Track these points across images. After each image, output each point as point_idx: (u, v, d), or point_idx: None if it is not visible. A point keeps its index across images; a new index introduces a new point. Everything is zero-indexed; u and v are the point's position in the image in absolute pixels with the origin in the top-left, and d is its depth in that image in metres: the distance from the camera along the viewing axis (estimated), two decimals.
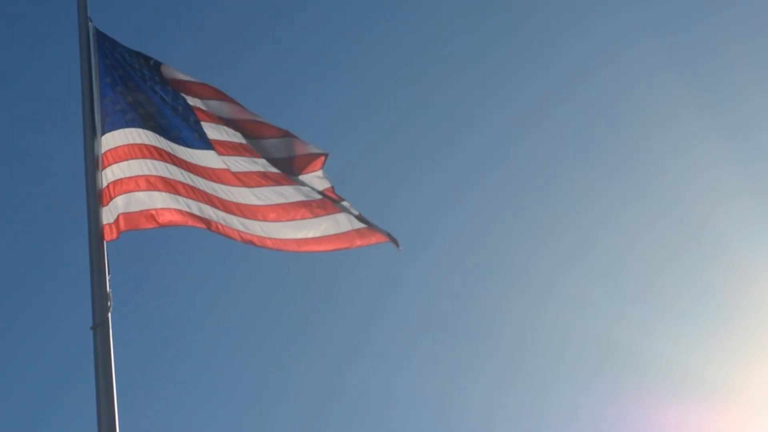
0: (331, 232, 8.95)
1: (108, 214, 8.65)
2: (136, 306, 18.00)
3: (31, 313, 19.76)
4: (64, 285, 19.24)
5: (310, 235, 8.96)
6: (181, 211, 8.90)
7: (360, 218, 8.88)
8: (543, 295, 20.29)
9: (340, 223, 8.94)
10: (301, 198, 8.94)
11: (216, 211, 8.90)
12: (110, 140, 8.85)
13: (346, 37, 21.72)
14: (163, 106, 8.95)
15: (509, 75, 21.34)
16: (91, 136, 8.77)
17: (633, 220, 21.02)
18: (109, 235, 8.57)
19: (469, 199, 21.10)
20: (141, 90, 8.95)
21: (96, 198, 8.59)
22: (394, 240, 8.85)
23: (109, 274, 8.32)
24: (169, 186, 8.90)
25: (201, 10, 21.46)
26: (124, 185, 8.80)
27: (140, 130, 8.91)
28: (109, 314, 8.15)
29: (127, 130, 8.90)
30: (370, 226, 8.87)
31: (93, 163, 8.68)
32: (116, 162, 8.83)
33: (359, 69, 21.70)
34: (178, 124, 8.94)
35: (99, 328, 8.07)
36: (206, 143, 8.93)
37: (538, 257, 20.48)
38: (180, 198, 8.90)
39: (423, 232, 20.99)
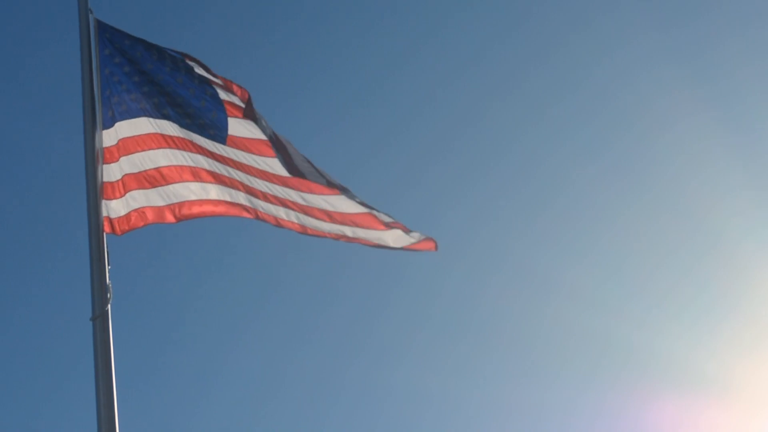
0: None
1: (120, 206, 8.66)
2: (136, 297, 18.02)
3: (31, 305, 19.80)
4: (64, 276, 19.27)
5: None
6: (218, 201, 8.93)
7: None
8: (543, 291, 20.31)
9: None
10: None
11: (249, 197, 8.92)
12: (126, 128, 8.85)
13: (346, 33, 21.72)
14: (179, 93, 8.92)
15: (509, 71, 21.35)
16: (91, 128, 8.74)
17: (633, 215, 21.04)
18: (119, 227, 8.60)
19: (469, 195, 21.12)
20: (151, 78, 8.92)
21: (96, 190, 8.57)
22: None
23: (108, 265, 8.33)
24: (198, 176, 8.92)
25: (202, 4, 21.46)
26: (144, 178, 8.81)
27: (156, 120, 8.89)
28: (109, 306, 8.16)
29: (143, 119, 8.87)
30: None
31: (93, 156, 8.65)
32: (134, 152, 8.84)
33: (360, 65, 21.71)
34: (195, 112, 8.92)
35: (98, 319, 8.08)
36: (221, 137, 8.93)
37: (538, 253, 20.50)
38: (214, 186, 8.92)
39: (423, 228, 20.96)
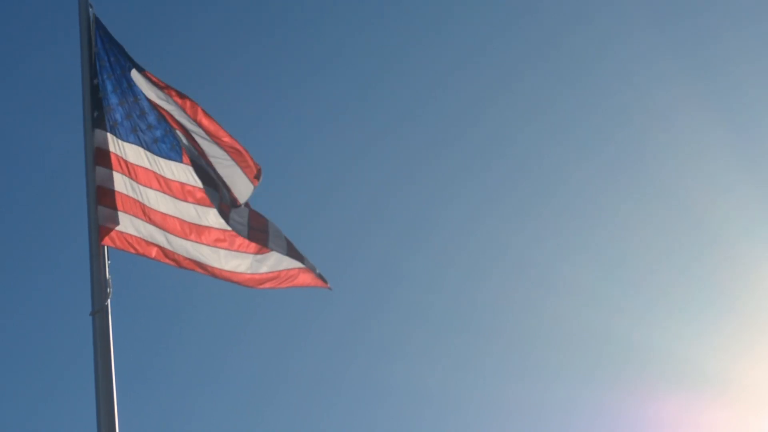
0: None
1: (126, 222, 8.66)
2: (135, 292, 18.02)
3: (31, 299, 19.82)
4: (64, 271, 19.28)
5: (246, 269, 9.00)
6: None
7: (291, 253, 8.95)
8: (542, 288, 20.32)
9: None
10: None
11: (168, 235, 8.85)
12: (129, 152, 8.83)
13: (343, 30, 21.73)
14: (148, 114, 8.91)
15: (509, 66, 21.36)
16: (90, 125, 8.73)
17: (632, 212, 21.05)
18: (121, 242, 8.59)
19: (469, 192, 21.12)
20: (129, 93, 8.90)
21: (95, 186, 8.57)
22: (322, 279, 9.03)
23: (108, 260, 8.34)
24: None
25: (201, 4, 21.46)
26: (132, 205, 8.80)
27: (135, 147, 8.87)
28: (109, 300, 8.17)
29: (130, 145, 8.86)
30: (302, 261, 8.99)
31: (93, 152, 8.65)
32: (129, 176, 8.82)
33: (358, 62, 21.72)
34: (159, 133, 8.91)
35: (98, 314, 8.09)
36: (178, 154, 8.91)
37: (538, 249, 20.52)
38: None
39: (422, 224, 21.02)
